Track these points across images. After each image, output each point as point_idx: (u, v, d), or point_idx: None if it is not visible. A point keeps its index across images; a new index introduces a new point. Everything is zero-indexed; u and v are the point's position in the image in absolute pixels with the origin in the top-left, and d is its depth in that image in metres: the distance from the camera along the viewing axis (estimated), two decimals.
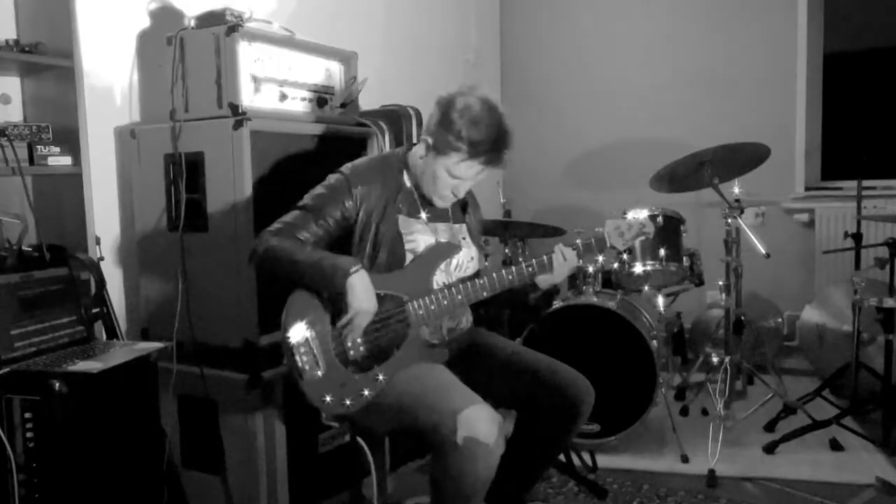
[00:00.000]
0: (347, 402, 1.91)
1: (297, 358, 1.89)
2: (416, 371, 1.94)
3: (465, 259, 2.11)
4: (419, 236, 2.04)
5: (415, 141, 2.77)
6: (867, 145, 3.61)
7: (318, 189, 2.02)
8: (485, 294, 2.00)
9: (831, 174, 4.35)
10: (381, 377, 1.93)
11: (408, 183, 2.09)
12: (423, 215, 2.08)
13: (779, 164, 3.56)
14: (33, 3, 2.27)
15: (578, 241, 2.04)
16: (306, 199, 2.01)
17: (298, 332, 1.90)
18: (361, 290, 1.86)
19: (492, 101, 1.97)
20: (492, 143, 1.94)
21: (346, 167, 2.06)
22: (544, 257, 2.02)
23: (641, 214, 2.05)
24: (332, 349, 1.92)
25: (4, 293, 1.90)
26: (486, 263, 3.05)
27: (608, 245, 2.05)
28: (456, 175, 1.97)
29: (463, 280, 2.04)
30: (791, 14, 4.23)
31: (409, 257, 2.01)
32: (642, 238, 2.08)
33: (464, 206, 2.23)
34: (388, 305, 1.95)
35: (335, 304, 1.91)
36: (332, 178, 2.04)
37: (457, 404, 1.77)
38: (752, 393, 3.57)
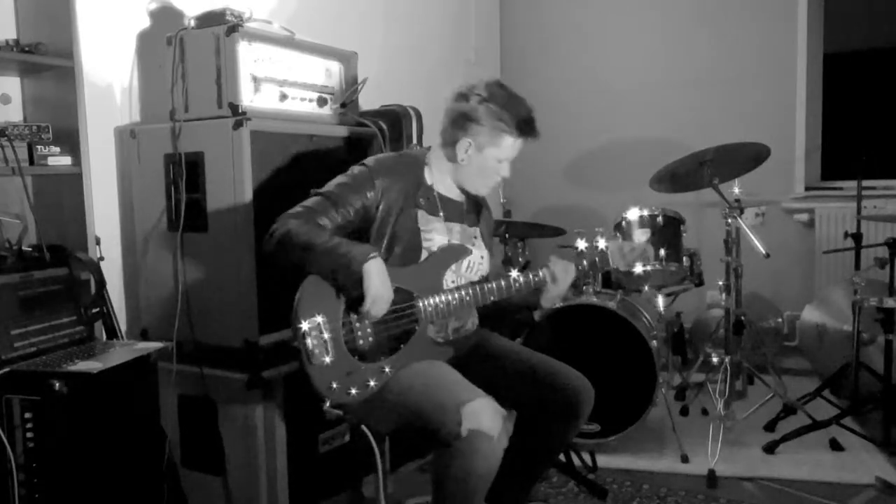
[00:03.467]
0: (353, 392, 1.92)
1: (308, 342, 1.90)
2: (420, 367, 1.96)
3: (476, 260, 2.14)
4: (436, 235, 2.06)
5: (415, 141, 2.77)
6: (867, 145, 3.60)
7: (341, 178, 2.03)
8: (492, 298, 2.03)
9: (831, 174, 4.35)
10: (387, 369, 1.94)
11: (428, 180, 2.11)
12: (442, 213, 2.10)
13: (779, 164, 3.57)
14: (33, 3, 2.27)
15: (585, 262, 2.10)
16: (328, 187, 2.02)
17: (310, 317, 1.91)
18: (378, 277, 1.87)
19: (498, 80, 2.10)
20: (530, 115, 2.05)
21: (370, 160, 2.08)
22: (544, 271, 2.07)
23: (644, 238, 2.12)
24: (342, 337, 1.93)
25: (4, 293, 1.90)
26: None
27: (610, 265, 2.10)
28: (503, 158, 2.07)
29: (472, 283, 2.06)
30: (791, 14, 4.23)
31: (423, 254, 2.03)
32: (642, 262, 2.13)
33: (478, 211, 2.25)
34: (399, 299, 1.96)
35: (349, 291, 1.91)
36: (355, 169, 2.05)
37: (462, 397, 1.79)
38: (752, 393, 3.57)
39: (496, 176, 2.11)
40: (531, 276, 2.06)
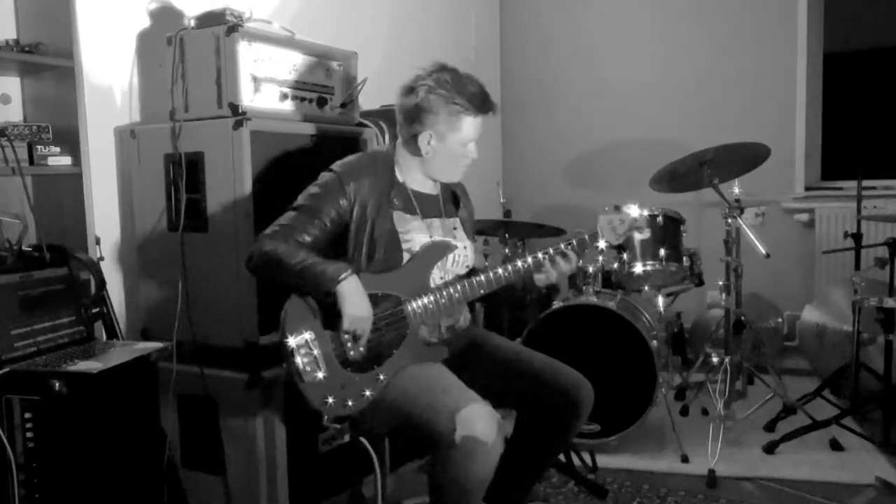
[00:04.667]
0: (350, 403, 1.91)
1: (298, 360, 1.89)
2: (415, 370, 1.94)
3: (461, 252, 2.11)
4: (415, 235, 2.03)
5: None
6: (867, 145, 3.60)
7: (312, 189, 2.01)
8: (482, 292, 2.00)
9: (831, 174, 4.35)
10: (381, 377, 1.93)
11: (400, 178, 2.09)
12: (418, 211, 2.08)
13: (779, 164, 3.56)
14: (33, 3, 2.27)
15: (573, 239, 2.04)
16: (300, 200, 2.00)
17: (298, 335, 1.90)
18: (353, 297, 1.85)
19: (442, 63, 2.08)
20: (482, 90, 2.02)
21: (337, 165, 2.05)
22: (539, 254, 2.02)
23: (633, 210, 2.06)
24: (332, 350, 1.92)
25: (4, 293, 1.90)
26: (486, 262, 3.04)
27: (600, 239, 2.04)
28: (468, 139, 2.03)
29: (460, 278, 2.04)
30: (791, 14, 4.23)
31: (405, 257, 2.01)
32: (636, 233, 2.07)
33: (455, 201, 2.23)
34: (386, 305, 1.94)
35: (327, 309, 1.90)
36: (324, 177, 2.03)
37: (456, 403, 1.77)
38: (752, 393, 3.57)
39: (465, 159, 2.07)
40: (521, 263, 2.00)
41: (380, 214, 2.00)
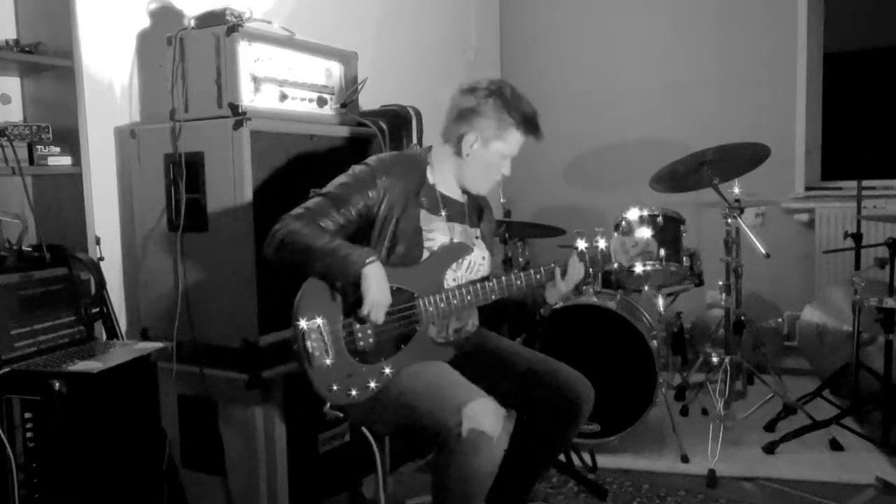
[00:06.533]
0: (353, 393, 1.92)
1: (308, 344, 1.90)
2: (420, 368, 1.95)
3: (478, 260, 2.13)
4: (437, 235, 2.06)
5: (415, 141, 2.77)
6: (867, 145, 3.60)
7: (343, 178, 2.03)
8: (493, 297, 2.02)
9: (831, 174, 4.35)
10: (387, 370, 1.94)
11: (430, 180, 2.11)
12: (444, 213, 2.10)
13: (779, 164, 3.57)
14: (33, 3, 2.27)
15: (587, 254, 2.06)
16: (330, 188, 2.01)
17: (310, 319, 1.91)
18: (376, 282, 1.87)
19: (503, 80, 2.11)
20: (535, 114, 2.07)
21: (372, 159, 2.07)
22: (553, 265, 2.04)
23: (645, 233, 2.09)
24: (343, 338, 1.93)
25: (4, 293, 1.90)
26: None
27: (612, 261, 2.07)
28: (508, 153, 2.08)
29: (473, 282, 2.06)
30: (791, 14, 4.23)
31: (425, 254, 2.03)
32: (645, 255, 2.10)
33: (479, 212, 2.25)
34: (400, 300, 1.96)
35: (347, 294, 1.91)
36: (356, 169, 2.04)
37: (462, 398, 1.78)
38: (752, 393, 3.57)
39: (497, 174, 2.11)
40: (534, 273, 2.04)
41: (406, 211, 2.02)
